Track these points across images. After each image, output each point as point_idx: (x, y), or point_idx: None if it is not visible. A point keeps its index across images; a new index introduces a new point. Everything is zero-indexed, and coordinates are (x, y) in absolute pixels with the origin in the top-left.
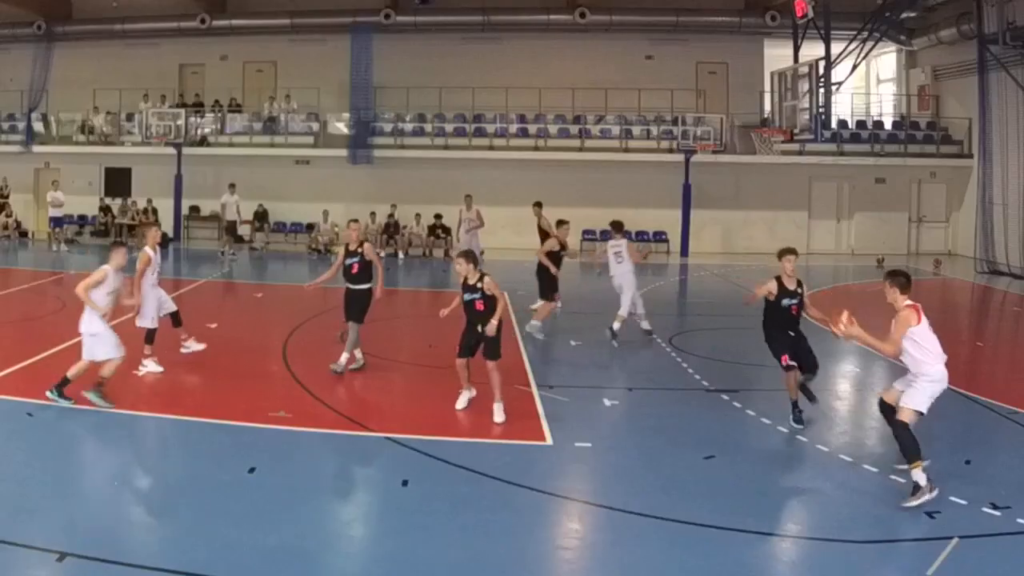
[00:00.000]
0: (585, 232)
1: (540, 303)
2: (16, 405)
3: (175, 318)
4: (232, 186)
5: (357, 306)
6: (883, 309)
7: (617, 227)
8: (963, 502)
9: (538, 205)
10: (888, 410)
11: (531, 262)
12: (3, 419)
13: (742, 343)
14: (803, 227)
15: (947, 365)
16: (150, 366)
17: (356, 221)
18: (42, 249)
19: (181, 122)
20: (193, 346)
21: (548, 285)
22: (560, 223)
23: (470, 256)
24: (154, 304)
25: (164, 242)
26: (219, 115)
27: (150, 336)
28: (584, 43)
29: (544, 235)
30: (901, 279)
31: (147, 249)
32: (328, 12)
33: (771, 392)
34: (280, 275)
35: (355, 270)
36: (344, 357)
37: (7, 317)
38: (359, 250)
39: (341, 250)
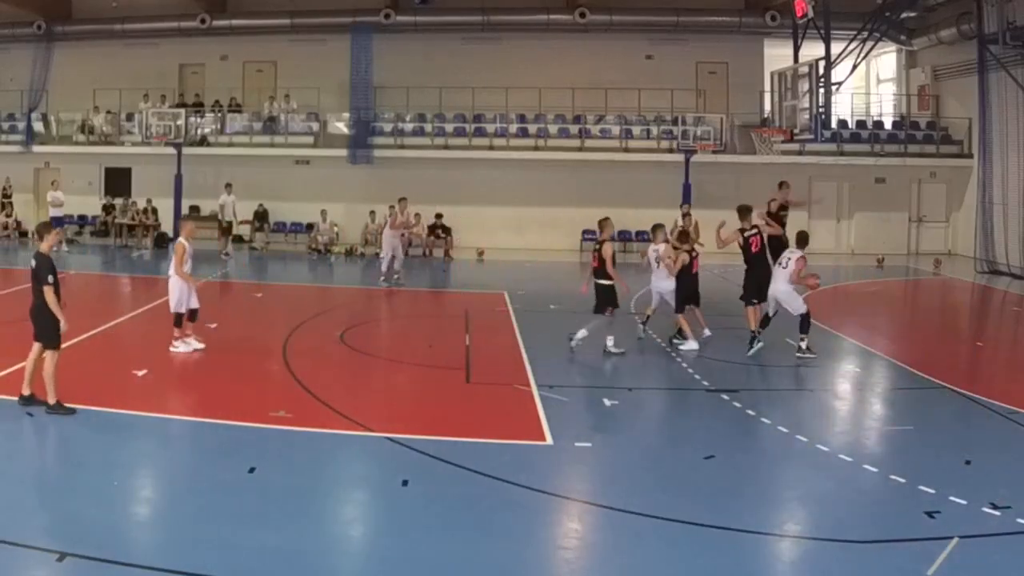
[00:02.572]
0: (585, 232)
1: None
2: (16, 405)
3: (193, 314)
4: (228, 186)
5: (598, 299)
6: (881, 308)
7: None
8: (963, 502)
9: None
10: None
11: (532, 262)
12: (3, 419)
13: (742, 343)
14: (803, 227)
15: (946, 364)
16: (193, 343)
17: (608, 219)
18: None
19: (181, 122)
20: (193, 344)
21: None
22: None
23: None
24: (185, 291)
25: (164, 241)
26: (219, 115)
27: (178, 320)
28: (584, 43)
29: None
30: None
31: (182, 240)
32: (328, 12)
33: (771, 392)
34: (280, 275)
35: (595, 262)
36: (609, 340)
37: (7, 317)
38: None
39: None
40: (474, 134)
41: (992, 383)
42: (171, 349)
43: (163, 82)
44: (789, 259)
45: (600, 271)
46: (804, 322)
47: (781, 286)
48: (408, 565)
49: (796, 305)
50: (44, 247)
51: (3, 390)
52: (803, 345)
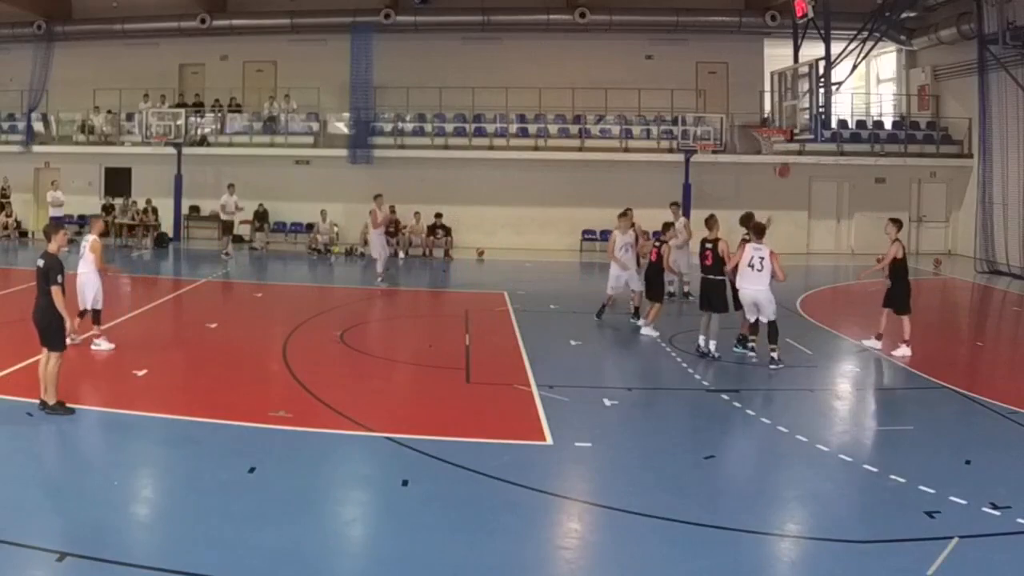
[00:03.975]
0: (585, 232)
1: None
2: (16, 405)
3: (96, 315)
4: (231, 186)
5: (709, 296)
6: (881, 308)
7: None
8: (963, 502)
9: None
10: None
11: (532, 262)
12: (3, 419)
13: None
14: (803, 227)
15: (946, 364)
16: (103, 344)
17: (714, 216)
18: (41, 249)
19: (181, 122)
20: (103, 344)
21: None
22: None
23: None
24: (100, 288)
25: (165, 242)
26: (219, 115)
27: (96, 317)
28: (584, 43)
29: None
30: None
31: (95, 237)
32: (328, 12)
33: (771, 392)
34: (280, 275)
35: (709, 260)
36: (700, 340)
37: (7, 317)
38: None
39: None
40: (474, 134)
41: (992, 383)
42: (92, 347)
43: (163, 82)
44: (761, 258)
45: (712, 268)
46: (773, 331)
47: (760, 287)
48: (408, 565)
49: (771, 310)
50: (52, 247)
51: (3, 390)
52: (775, 355)
